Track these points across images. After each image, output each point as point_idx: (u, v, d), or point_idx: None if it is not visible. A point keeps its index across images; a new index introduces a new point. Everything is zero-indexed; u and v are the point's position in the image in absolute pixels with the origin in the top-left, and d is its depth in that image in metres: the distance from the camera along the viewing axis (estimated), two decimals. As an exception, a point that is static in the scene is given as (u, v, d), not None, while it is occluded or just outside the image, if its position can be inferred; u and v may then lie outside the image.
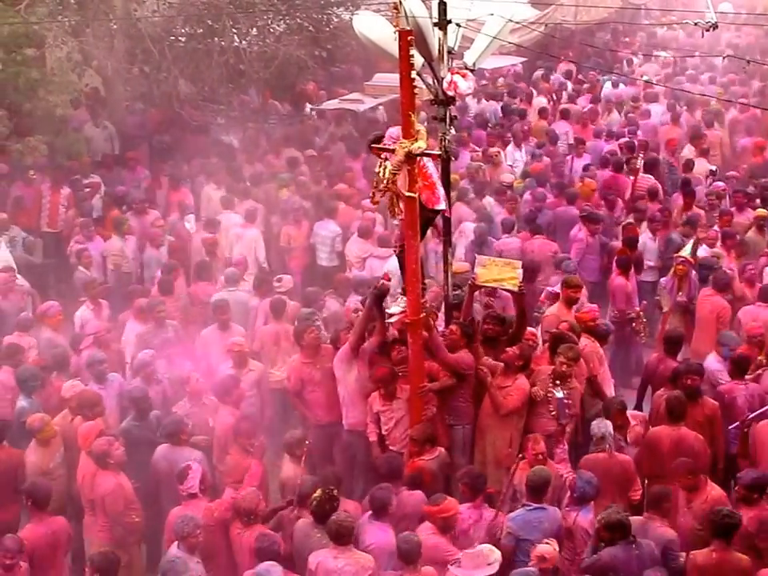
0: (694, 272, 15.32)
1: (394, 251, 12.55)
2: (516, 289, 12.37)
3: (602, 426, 11.31)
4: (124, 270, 16.87)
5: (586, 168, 20.00)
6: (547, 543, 9.67)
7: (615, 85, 26.80)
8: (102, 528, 11.14)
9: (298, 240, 17.83)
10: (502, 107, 24.92)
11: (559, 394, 11.66)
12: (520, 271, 12.36)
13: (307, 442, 11.33)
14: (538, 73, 28.06)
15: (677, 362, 12.98)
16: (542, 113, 24.28)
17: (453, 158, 13.70)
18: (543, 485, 10.41)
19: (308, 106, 24.08)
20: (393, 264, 13.48)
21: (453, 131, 12.77)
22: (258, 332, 14.75)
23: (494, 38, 13.11)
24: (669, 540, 10.02)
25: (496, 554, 9.58)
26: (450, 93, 12.19)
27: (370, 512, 10.31)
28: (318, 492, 10.14)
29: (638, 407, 13.37)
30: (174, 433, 11.62)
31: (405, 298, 11.62)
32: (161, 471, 11.59)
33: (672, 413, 11.59)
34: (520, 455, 11.05)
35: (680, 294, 15.19)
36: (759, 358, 12.93)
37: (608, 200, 18.52)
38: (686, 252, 15.32)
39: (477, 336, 12.34)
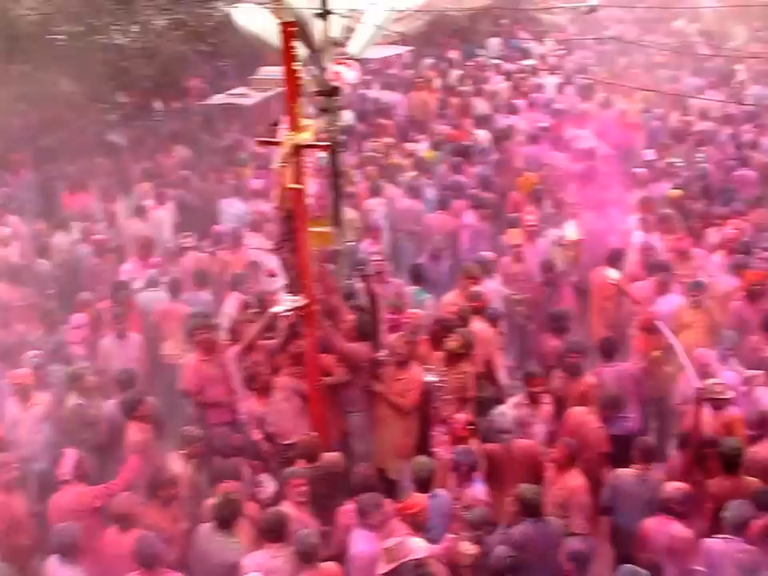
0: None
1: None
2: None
3: (503, 419, 11.41)
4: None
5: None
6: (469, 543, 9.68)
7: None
8: None
9: (236, 267, 16.09)
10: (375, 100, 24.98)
11: (430, 378, 11.69)
12: (328, 228, 12.34)
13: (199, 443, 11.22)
14: (427, 61, 28.16)
15: (558, 340, 13.22)
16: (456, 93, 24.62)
17: (342, 150, 13.68)
18: (428, 473, 10.45)
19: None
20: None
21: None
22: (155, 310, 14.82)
23: (378, 27, 13.11)
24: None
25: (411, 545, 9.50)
26: (335, 83, 12.18)
27: (358, 519, 10.00)
28: (219, 497, 9.98)
29: None
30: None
31: (290, 297, 11.54)
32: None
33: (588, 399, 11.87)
34: None
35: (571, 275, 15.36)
36: (655, 353, 13.00)
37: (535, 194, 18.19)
38: (569, 234, 15.49)
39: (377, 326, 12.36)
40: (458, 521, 9.97)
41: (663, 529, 9.95)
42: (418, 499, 10.01)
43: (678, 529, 9.91)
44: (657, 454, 11.02)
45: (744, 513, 9.64)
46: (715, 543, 9.62)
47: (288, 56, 10.69)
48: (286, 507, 10.21)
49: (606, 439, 11.64)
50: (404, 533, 9.68)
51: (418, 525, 9.85)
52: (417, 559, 9.17)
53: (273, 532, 9.61)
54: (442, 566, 9.51)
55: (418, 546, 9.37)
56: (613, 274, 12.99)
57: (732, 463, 10.46)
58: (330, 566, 9.55)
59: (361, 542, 9.83)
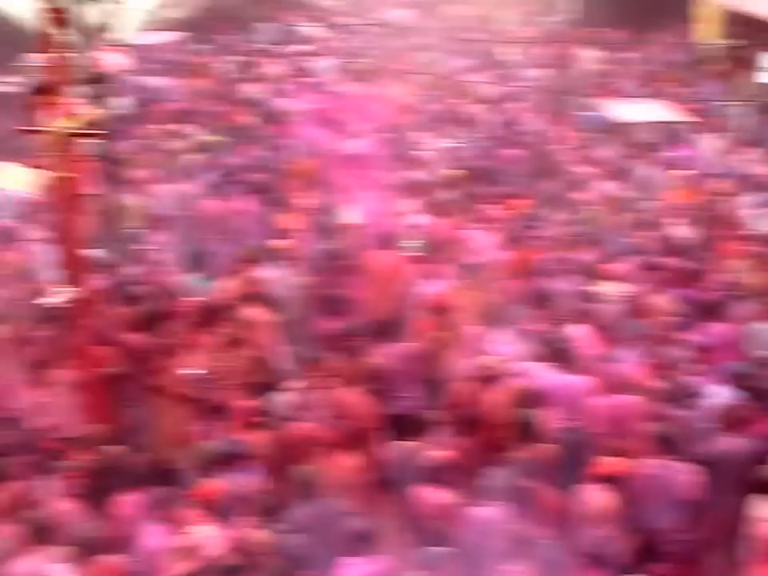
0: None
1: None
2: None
3: (281, 404, 11.55)
4: None
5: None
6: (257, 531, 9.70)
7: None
8: None
9: (13, 266, 15.11)
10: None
11: (197, 371, 11.82)
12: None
13: None
14: (202, 47, 27.95)
15: (337, 323, 13.36)
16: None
17: (115, 137, 13.52)
18: (212, 458, 10.49)
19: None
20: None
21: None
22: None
23: (148, 12, 12.98)
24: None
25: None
26: (103, 70, 12.00)
27: (145, 512, 9.90)
28: None
29: None
30: None
31: (65, 288, 11.35)
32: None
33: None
34: None
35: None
36: (435, 333, 13.18)
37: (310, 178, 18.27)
38: (346, 218, 15.64)
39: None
40: (248, 506, 9.97)
41: (426, 496, 10.23)
42: (211, 484, 10.05)
43: (438, 495, 10.18)
44: (435, 430, 11.24)
45: (505, 480, 10.00)
46: (477, 510, 9.91)
47: (51, 42, 10.48)
48: (63, 502, 10.05)
49: (380, 418, 11.81)
50: (197, 521, 9.67)
51: (213, 510, 9.85)
52: (213, 556, 9.15)
53: (41, 534, 9.43)
54: (238, 554, 9.47)
55: (212, 541, 9.36)
56: (411, 245, 13.16)
57: (525, 434, 10.76)
58: (112, 559, 9.41)
59: (149, 535, 9.72)
